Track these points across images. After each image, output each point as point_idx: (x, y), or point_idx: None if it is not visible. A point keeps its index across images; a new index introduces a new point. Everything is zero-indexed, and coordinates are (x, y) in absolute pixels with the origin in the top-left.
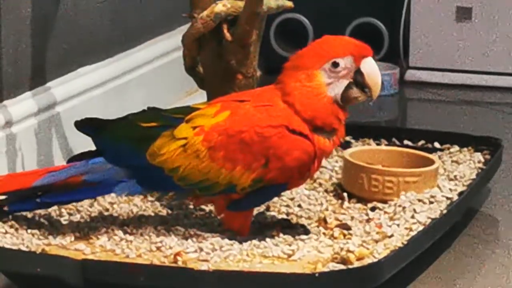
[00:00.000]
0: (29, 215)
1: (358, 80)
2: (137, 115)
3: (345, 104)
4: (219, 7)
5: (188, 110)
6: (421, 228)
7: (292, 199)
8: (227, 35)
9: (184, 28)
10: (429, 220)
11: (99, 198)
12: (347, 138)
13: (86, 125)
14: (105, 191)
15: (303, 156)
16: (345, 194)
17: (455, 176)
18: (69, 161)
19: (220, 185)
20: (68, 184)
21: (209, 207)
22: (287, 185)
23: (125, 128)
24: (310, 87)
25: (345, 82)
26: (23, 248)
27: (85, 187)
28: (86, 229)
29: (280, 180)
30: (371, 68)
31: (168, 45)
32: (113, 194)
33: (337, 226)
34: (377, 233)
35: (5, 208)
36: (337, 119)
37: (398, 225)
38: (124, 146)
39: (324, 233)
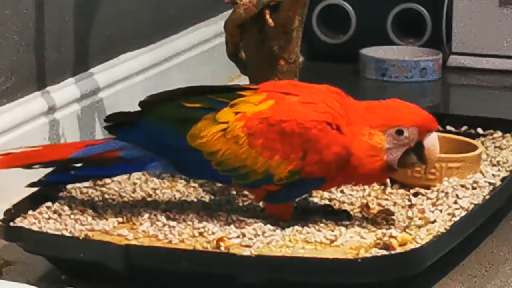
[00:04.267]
0: (72, 201)
1: (417, 150)
2: (182, 95)
3: (400, 167)
4: None
5: (234, 96)
6: (464, 213)
7: None
8: (270, 21)
9: (226, 14)
10: (472, 206)
11: (142, 184)
12: None
13: (118, 121)
14: (139, 168)
15: (342, 152)
16: (387, 180)
17: (498, 162)
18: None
19: (257, 174)
20: (104, 159)
21: None
22: (324, 180)
23: (168, 110)
24: (370, 145)
25: (403, 149)
26: (66, 234)
27: (121, 162)
28: (129, 215)
29: (318, 174)
30: (433, 145)
31: (210, 31)
32: (156, 180)
33: (379, 211)
34: (420, 218)
35: (42, 178)
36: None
37: (440, 210)
38: (165, 127)
39: (366, 219)
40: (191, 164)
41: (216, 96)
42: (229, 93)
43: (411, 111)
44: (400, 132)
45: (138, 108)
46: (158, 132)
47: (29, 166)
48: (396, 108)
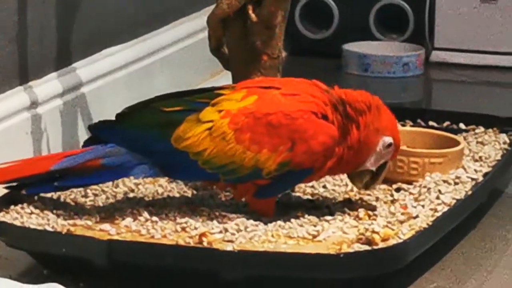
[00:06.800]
0: (55, 196)
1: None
2: (159, 100)
3: (352, 176)
4: None
5: (213, 95)
6: (446, 209)
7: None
8: (252, 16)
9: (209, 9)
10: (454, 201)
11: (125, 179)
12: None
13: (100, 128)
14: (123, 174)
15: (328, 141)
16: None
17: (480, 157)
18: (86, 142)
19: (245, 168)
20: (86, 168)
21: None
22: (312, 170)
23: (148, 115)
24: (370, 141)
25: (379, 163)
26: (49, 229)
27: (103, 170)
28: (111, 210)
29: (306, 164)
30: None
31: (193, 26)
32: None
33: (362, 207)
34: (402, 214)
35: (23, 192)
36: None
37: (423, 206)
38: (148, 133)
39: (349, 214)
40: (177, 166)
41: (195, 98)
42: (207, 93)
43: (397, 130)
44: (389, 145)
45: (121, 104)
46: (139, 138)
47: (9, 182)
48: (394, 120)
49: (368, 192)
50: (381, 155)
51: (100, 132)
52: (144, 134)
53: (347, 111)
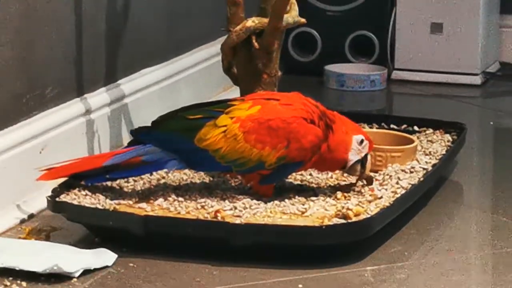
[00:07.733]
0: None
1: (362, 162)
2: (185, 110)
3: (345, 171)
4: (249, 23)
5: (226, 105)
6: (403, 191)
7: None
8: (255, 44)
9: (222, 39)
10: (410, 186)
11: None
12: None
13: (140, 133)
14: (158, 168)
15: (315, 139)
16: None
17: (429, 152)
18: (131, 142)
19: (251, 162)
20: (130, 163)
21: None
22: (302, 163)
23: (176, 122)
24: (343, 140)
25: (358, 157)
26: (99, 207)
27: (143, 165)
28: (147, 192)
29: (298, 158)
30: (370, 159)
31: (210, 52)
32: None
33: (339, 190)
34: (370, 195)
35: (82, 182)
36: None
37: (386, 189)
38: (176, 136)
39: (329, 195)
40: (199, 161)
41: (212, 107)
42: (221, 104)
43: (361, 129)
44: (362, 141)
45: (155, 112)
46: (170, 140)
47: (70, 176)
48: (355, 123)
49: (344, 178)
50: (359, 150)
51: (140, 135)
52: (173, 136)
53: (327, 121)
